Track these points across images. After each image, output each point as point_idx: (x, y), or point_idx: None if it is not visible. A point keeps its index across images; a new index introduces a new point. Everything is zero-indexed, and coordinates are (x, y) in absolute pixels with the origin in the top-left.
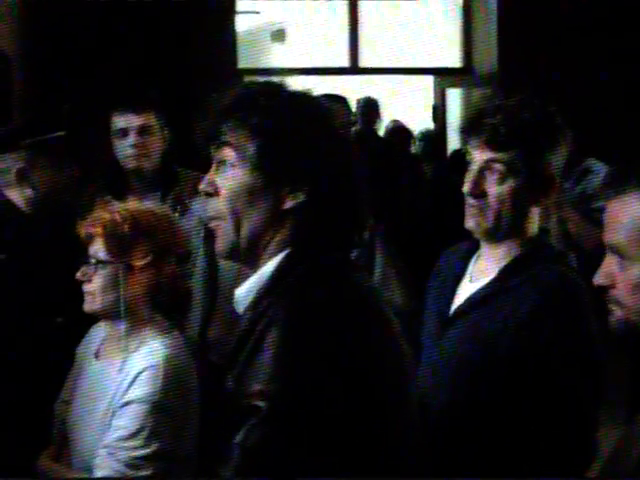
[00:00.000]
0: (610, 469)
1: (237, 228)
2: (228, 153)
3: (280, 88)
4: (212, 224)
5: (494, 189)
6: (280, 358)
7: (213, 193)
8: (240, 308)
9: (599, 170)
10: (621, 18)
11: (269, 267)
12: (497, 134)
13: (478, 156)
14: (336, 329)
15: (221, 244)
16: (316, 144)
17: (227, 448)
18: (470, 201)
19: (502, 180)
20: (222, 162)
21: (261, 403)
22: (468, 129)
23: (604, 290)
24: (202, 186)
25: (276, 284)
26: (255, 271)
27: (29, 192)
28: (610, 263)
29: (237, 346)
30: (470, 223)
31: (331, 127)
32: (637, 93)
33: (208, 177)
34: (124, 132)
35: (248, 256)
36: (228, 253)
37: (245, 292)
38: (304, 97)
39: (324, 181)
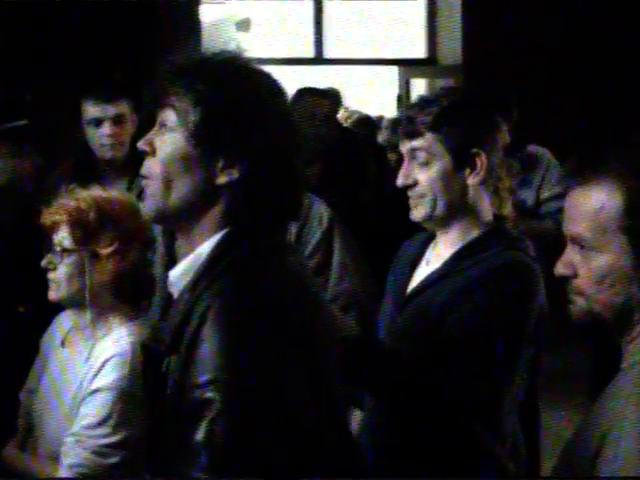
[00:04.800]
0: (569, 456)
1: (166, 192)
2: (170, 116)
3: (235, 59)
4: (143, 182)
5: (422, 176)
6: (225, 346)
7: (149, 152)
8: (174, 290)
9: (543, 158)
10: (581, 13)
11: (205, 248)
12: (412, 123)
13: (403, 148)
14: (275, 314)
15: (148, 205)
16: (257, 122)
17: (182, 445)
18: (408, 193)
19: (427, 166)
20: (164, 125)
21: (213, 394)
22: (394, 127)
23: (565, 280)
24: (140, 144)
25: (213, 266)
26: (189, 250)
27: None
28: (571, 253)
29: (175, 332)
30: (412, 214)
31: (278, 106)
32: (595, 86)
33: (147, 136)
34: (98, 122)
35: (179, 228)
36: (154, 215)
37: (179, 273)
38: (256, 72)
39: (259, 161)
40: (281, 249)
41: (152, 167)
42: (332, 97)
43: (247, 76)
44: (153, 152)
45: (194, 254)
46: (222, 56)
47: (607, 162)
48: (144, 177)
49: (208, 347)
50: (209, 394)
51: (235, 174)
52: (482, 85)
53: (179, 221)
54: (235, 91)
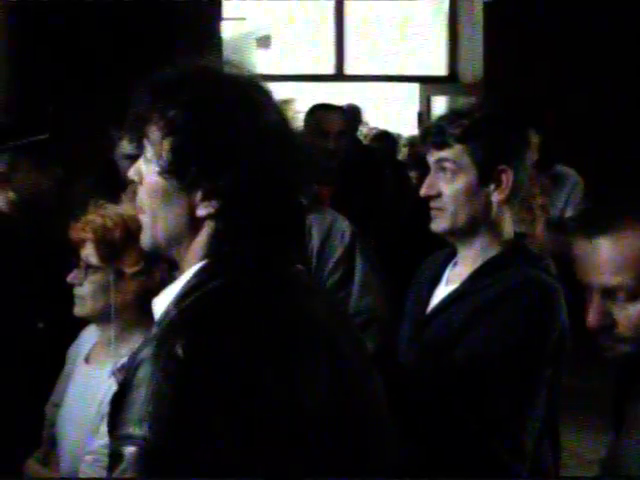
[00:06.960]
0: None
1: (154, 224)
2: (147, 146)
3: (213, 75)
4: (138, 213)
5: (447, 188)
6: (158, 399)
7: (139, 182)
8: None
9: (569, 178)
10: (602, 32)
11: (183, 280)
12: (441, 134)
13: (430, 159)
14: (232, 364)
15: (143, 237)
16: (236, 150)
17: None
18: (430, 204)
19: (453, 178)
20: (145, 154)
21: (125, 450)
22: (422, 136)
23: (603, 331)
24: (130, 173)
25: (183, 299)
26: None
27: (11, 195)
28: (604, 303)
29: (128, 369)
30: (433, 225)
31: (264, 125)
32: (617, 106)
33: (137, 165)
34: (133, 157)
35: (173, 257)
36: (148, 247)
37: (160, 301)
38: (239, 87)
39: (241, 191)
40: (276, 281)
41: (141, 198)
42: (347, 112)
43: (225, 93)
44: (141, 182)
45: (174, 285)
46: (197, 71)
47: (632, 207)
48: (139, 208)
49: (138, 396)
50: (124, 448)
51: (213, 207)
52: (503, 103)
53: (170, 251)
54: (209, 117)
